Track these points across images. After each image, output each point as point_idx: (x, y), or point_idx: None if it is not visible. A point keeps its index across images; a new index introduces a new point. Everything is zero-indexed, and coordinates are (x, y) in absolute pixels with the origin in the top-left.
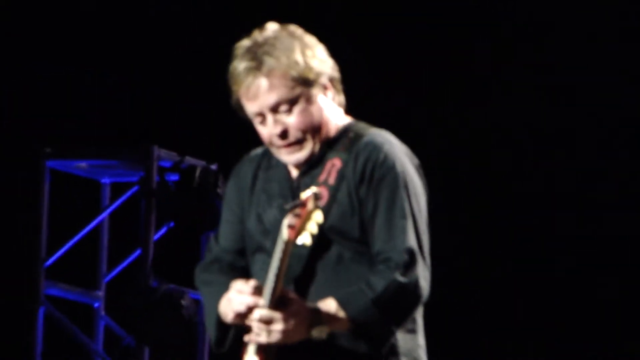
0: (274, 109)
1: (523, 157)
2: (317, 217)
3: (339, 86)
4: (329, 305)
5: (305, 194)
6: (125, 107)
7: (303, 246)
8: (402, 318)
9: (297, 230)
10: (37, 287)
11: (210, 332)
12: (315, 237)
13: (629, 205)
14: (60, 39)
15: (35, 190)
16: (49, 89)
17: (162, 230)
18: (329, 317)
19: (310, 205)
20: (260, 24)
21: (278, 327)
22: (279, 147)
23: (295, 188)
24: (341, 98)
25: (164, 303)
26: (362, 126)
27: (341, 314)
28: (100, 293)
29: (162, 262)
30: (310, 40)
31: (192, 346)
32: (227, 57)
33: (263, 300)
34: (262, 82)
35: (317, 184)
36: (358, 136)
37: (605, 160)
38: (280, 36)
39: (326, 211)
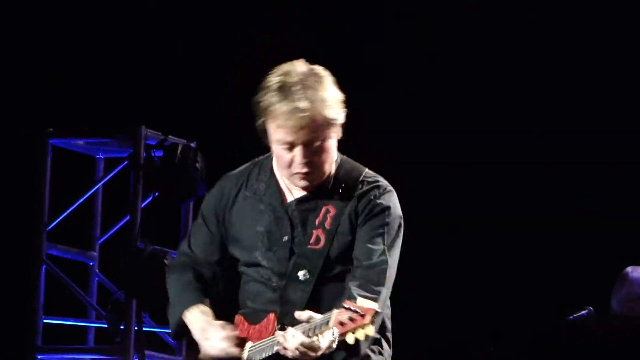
0: (307, 144)
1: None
2: (369, 330)
3: None
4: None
5: (369, 306)
6: (117, 93)
7: (306, 280)
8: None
9: (346, 330)
10: (40, 248)
11: (171, 327)
12: (319, 276)
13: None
14: (63, 38)
15: (39, 164)
16: (53, 77)
17: (148, 199)
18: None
19: (367, 319)
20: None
21: (312, 353)
22: (297, 173)
23: (286, 212)
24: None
25: (150, 262)
26: (351, 167)
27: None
28: (95, 253)
29: (148, 227)
30: (333, 82)
31: None
32: (207, 46)
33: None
34: (305, 122)
35: (314, 227)
36: (353, 181)
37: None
38: (311, 78)
39: (327, 251)
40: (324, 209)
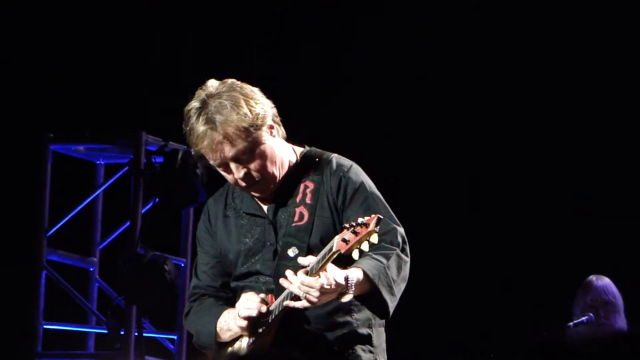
0: (235, 159)
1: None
2: (373, 238)
3: (279, 120)
4: (357, 273)
5: (368, 217)
6: (118, 99)
7: (296, 256)
8: (401, 285)
9: (351, 245)
10: (40, 253)
11: (210, 347)
12: (308, 250)
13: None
14: (63, 44)
15: (39, 170)
16: (54, 85)
17: (149, 205)
18: (357, 283)
19: (372, 226)
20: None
21: (315, 293)
22: (246, 187)
23: (268, 216)
24: (282, 130)
25: (150, 268)
26: (320, 151)
27: (365, 280)
28: (95, 259)
29: (149, 233)
30: (249, 89)
31: (173, 305)
32: (208, 52)
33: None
34: (220, 139)
35: (295, 205)
36: (323, 160)
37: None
38: (223, 93)
39: (311, 226)
40: (302, 186)
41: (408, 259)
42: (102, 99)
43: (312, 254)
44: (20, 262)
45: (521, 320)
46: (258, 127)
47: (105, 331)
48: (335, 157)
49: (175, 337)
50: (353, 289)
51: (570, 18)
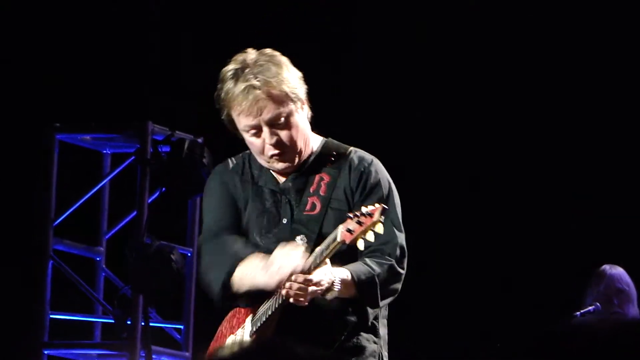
0: (271, 123)
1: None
2: (378, 228)
3: (307, 100)
4: (344, 273)
5: (372, 207)
6: (124, 88)
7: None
8: (388, 297)
9: (356, 235)
10: (46, 243)
11: (215, 290)
12: (316, 240)
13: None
14: (69, 33)
15: (46, 159)
16: (60, 72)
17: (155, 195)
18: (343, 283)
19: (377, 216)
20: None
21: (305, 291)
22: (272, 155)
23: (283, 194)
24: (310, 112)
25: (156, 257)
26: (338, 143)
27: (351, 282)
28: (102, 249)
29: (155, 222)
30: (287, 60)
31: (179, 294)
32: (214, 41)
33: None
34: (263, 97)
35: (308, 195)
36: (341, 153)
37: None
38: (263, 59)
39: (322, 217)
40: (317, 177)
41: (403, 272)
42: (109, 88)
43: (320, 243)
44: (27, 251)
45: (523, 316)
46: (297, 97)
47: (112, 321)
48: (355, 151)
49: (182, 327)
50: (338, 288)
51: (570, 18)
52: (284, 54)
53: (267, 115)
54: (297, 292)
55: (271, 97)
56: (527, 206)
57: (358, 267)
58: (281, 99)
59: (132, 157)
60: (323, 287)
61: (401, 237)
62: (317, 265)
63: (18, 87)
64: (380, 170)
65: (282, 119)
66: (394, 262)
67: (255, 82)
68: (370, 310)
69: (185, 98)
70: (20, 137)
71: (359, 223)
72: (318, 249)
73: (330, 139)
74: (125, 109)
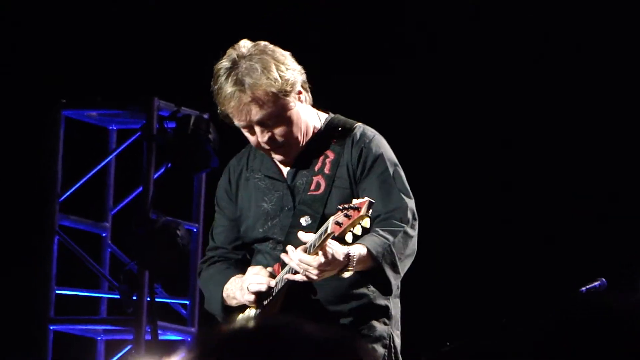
0: (260, 123)
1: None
2: (365, 222)
3: (307, 86)
4: (360, 249)
5: (361, 200)
6: (130, 64)
7: (308, 225)
8: (407, 262)
9: (344, 228)
10: (52, 219)
11: (218, 315)
12: (321, 220)
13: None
14: (75, 9)
15: (52, 135)
16: (66, 48)
17: (161, 170)
18: (359, 260)
19: (363, 211)
20: None
21: (314, 270)
22: (269, 150)
23: (287, 180)
24: (310, 96)
25: (162, 233)
26: (344, 119)
27: (367, 255)
28: (107, 224)
29: (161, 198)
30: (280, 53)
31: (185, 270)
32: (220, 16)
33: (274, 282)
34: (248, 101)
35: (313, 174)
36: (346, 129)
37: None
38: (255, 55)
39: (327, 196)
40: (322, 155)
41: (415, 234)
42: (114, 63)
43: (324, 223)
44: (33, 227)
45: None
46: (287, 93)
47: (118, 296)
48: (359, 127)
49: (187, 302)
50: (354, 266)
51: (570, 17)
52: (295, 29)
53: (255, 117)
54: (305, 269)
55: (258, 100)
56: (536, 179)
57: (372, 239)
58: (268, 100)
59: (138, 133)
60: (331, 264)
61: (410, 202)
62: (313, 253)
63: (24, 64)
64: (381, 145)
65: (273, 119)
66: (406, 226)
67: (241, 86)
68: (393, 280)
69: (192, 73)
70: (26, 114)
71: (347, 217)
72: (312, 239)
73: (337, 115)
74: (131, 85)
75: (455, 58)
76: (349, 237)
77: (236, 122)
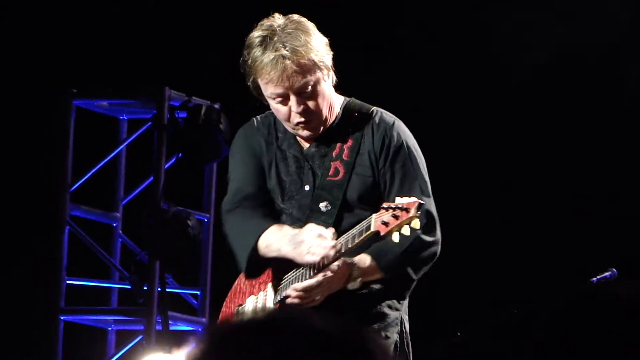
0: (299, 92)
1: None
2: (415, 224)
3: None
4: (364, 260)
5: (408, 200)
6: (141, 54)
7: (328, 211)
8: (421, 270)
9: (390, 229)
10: (63, 209)
11: (242, 262)
12: (342, 206)
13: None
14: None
15: (63, 125)
16: (77, 38)
17: (172, 160)
18: (364, 271)
19: (413, 212)
20: None
21: (317, 293)
22: (298, 123)
23: (306, 160)
24: (335, 77)
25: (173, 223)
26: (360, 103)
27: (374, 267)
28: (118, 214)
29: (172, 188)
30: (313, 27)
31: (196, 260)
32: (232, 7)
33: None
34: (293, 67)
35: (331, 159)
36: (362, 114)
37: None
38: (290, 26)
39: (346, 183)
40: (340, 141)
41: (433, 238)
42: (125, 53)
43: (345, 211)
44: (44, 217)
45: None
46: (324, 65)
47: (128, 286)
48: (376, 111)
49: (198, 293)
50: (359, 278)
51: (570, 17)
52: (307, 15)
53: (296, 84)
54: (308, 299)
55: (300, 66)
56: (549, 167)
57: (381, 248)
58: (309, 68)
59: (149, 123)
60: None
61: (428, 203)
62: (348, 248)
63: (35, 53)
64: (403, 132)
65: (310, 88)
66: (419, 233)
67: (284, 52)
68: (406, 291)
69: (203, 63)
70: (37, 104)
71: (395, 217)
72: (349, 234)
73: (352, 98)
74: (142, 74)
75: (455, 58)
76: (395, 237)
77: (271, 91)
